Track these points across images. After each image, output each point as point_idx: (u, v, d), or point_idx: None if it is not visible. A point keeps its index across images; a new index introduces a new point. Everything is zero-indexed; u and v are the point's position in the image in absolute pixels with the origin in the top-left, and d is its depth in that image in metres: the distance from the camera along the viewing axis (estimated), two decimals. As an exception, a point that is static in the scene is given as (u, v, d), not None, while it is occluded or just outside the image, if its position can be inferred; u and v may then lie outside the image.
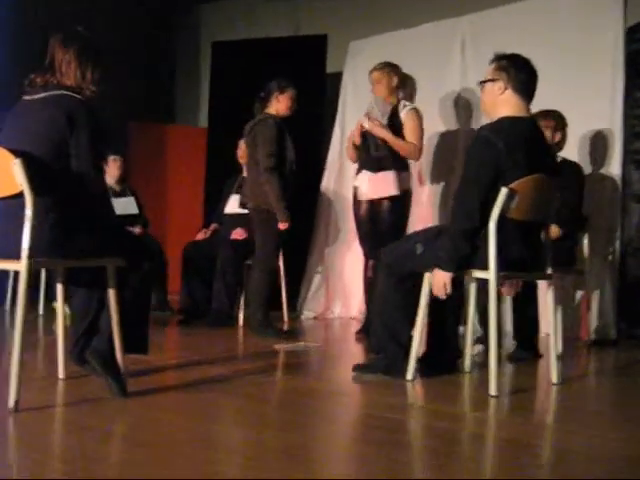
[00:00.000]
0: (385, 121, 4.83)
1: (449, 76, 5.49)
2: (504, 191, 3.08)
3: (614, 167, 4.95)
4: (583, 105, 4.89)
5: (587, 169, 4.92)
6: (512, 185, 3.12)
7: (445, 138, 5.54)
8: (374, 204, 4.83)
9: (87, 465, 2.09)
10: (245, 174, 5.14)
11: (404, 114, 4.87)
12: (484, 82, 3.39)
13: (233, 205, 5.49)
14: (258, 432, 2.54)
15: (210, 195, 6.81)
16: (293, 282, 5.86)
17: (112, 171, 5.94)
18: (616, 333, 4.83)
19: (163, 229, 7.07)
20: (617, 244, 4.91)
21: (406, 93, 5.00)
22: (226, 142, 5.87)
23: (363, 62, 5.44)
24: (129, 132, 7.51)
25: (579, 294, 4.94)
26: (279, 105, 4.87)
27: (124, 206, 5.88)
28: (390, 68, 4.93)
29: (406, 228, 4.87)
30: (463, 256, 3.20)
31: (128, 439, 2.45)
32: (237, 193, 5.45)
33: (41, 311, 5.11)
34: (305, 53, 6.69)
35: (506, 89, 3.32)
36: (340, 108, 6.12)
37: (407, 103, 4.94)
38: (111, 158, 5.94)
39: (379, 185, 4.79)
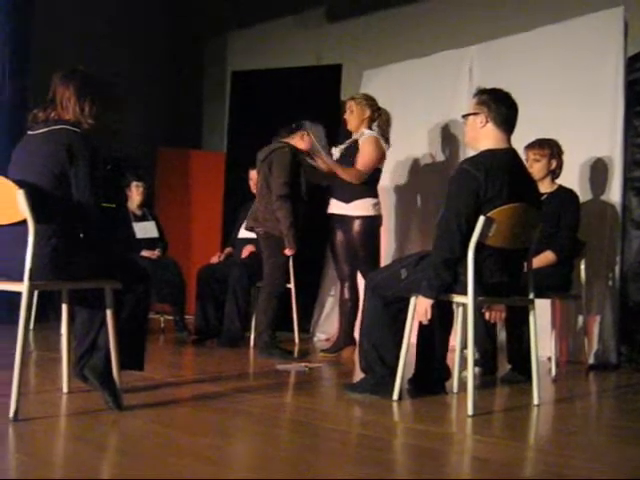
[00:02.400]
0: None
1: (457, 104, 5.61)
2: (482, 219, 3.23)
3: (614, 194, 5.03)
4: (584, 133, 5.03)
5: (587, 196, 5.04)
6: (490, 214, 3.25)
7: (451, 164, 5.66)
8: (345, 225, 4.98)
9: (75, 473, 2.25)
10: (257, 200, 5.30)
11: (362, 140, 5.02)
12: (466, 115, 3.54)
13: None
14: (237, 445, 2.72)
15: (227, 219, 7.00)
16: (307, 305, 5.99)
17: (134, 196, 6.16)
18: (617, 357, 4.85)
19: (187, 252, 7.25)
20: (617, 269, 4.96)
21: (379, 126, 5.12)
22: (243, 169, 6.05)
23: (376, 91, 5.60)
24: (158, 157, 7.73)
25: (581, 319, 4.98)
26: (301, 142, 5.03)
27: (145, 230, 6.12)
28: (365, 100, 5.10)
29: (378, 250, 5.05)
30: (444, 284, 3.32)
31: (119, 450, 2.62)
32: (251, 218, 5.68)
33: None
34: (321, 82, 6.87)
35: (487, 122, 3.46)
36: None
37: (367, 131, 5.05)
38: (134, 184, 6.16)
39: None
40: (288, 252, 4.92)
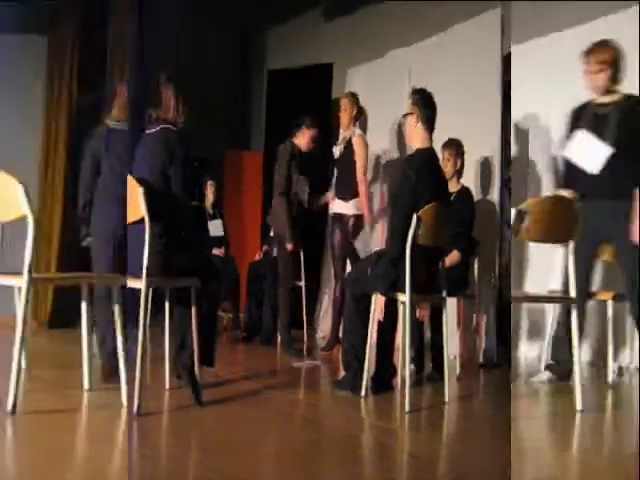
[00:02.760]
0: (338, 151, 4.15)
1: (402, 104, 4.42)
2: (414, 218, 2.67)
3: (495, 193, 4.06)
4: (474, 134, 3.98)
5: (478, 195, 4.08)
6: (419, 212, 2.71)
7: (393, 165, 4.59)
8: (342, 223, 4.14)
9: (174, 470, 2.02)
10: None
11: (355, 139, 4.11)
12: (405, 115, 2.94)
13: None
14: (271, 444, 2.39)
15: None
16: (311, 302, 4.94)
17: (208, 195, 5.10)
18: (496, 356, 3.97)
19: (241, 251, 5.82)
20: (497, 269, 4.04)
21: (360, 124, 4.26)
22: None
23: (358, 89, 4.53)
24: (225, 157, 6.18)
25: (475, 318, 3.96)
26: (302, 138, 4.07)
27: (215, 228, 5.14)
28: (353, 98, 4.18)
29: (352, 249, 4.18)
30: (391, 281, 2.74)
31: (201, 446, 2.28)
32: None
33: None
34: (320, 81, 5.51)
35: (418, 122, 2.86)
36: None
37: (357, 130, 4.16)
38: (209, 183, 5.10)
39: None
40: (288, 247, 3.97)
